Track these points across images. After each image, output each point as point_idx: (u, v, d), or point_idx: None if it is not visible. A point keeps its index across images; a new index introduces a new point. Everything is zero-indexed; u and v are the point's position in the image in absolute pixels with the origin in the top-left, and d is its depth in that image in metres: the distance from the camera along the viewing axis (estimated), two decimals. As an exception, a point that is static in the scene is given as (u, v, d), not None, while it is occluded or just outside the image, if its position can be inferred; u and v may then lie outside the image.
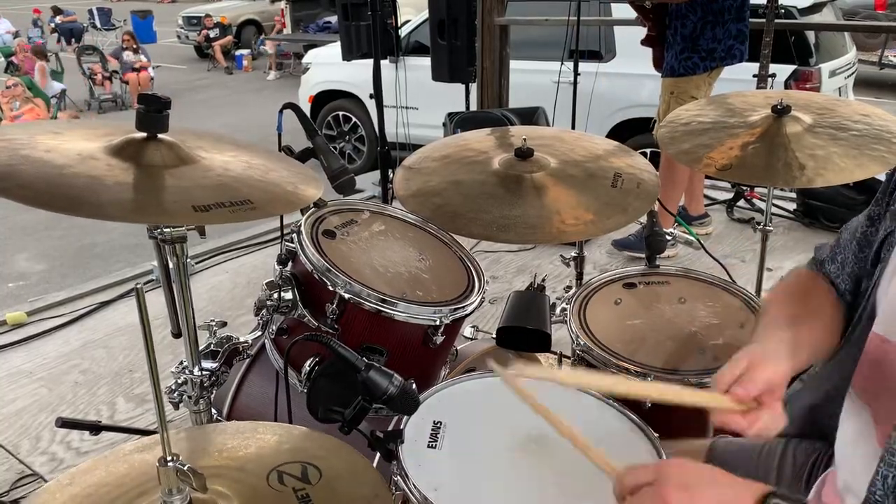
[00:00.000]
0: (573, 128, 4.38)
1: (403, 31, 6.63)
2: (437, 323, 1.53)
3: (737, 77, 3.82)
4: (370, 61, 4.26)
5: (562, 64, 4.66)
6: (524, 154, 1.75)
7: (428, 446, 1.25)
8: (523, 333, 1.67)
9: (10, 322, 3.50)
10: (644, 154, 2.13)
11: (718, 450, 1.38)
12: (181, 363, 1.54)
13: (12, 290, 5.05)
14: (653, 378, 1.57)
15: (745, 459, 1.33)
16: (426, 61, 5.10)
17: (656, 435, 1.29)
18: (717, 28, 3.54)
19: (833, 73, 5.64)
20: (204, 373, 1.53)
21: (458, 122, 4.42)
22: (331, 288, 1.47)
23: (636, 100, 5.58)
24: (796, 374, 1.20)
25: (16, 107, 9.36)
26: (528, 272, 3.81)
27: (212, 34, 15.26)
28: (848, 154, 1.79)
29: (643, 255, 1.98)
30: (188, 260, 1.46)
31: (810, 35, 5.48)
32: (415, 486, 1.15)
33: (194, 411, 1.55)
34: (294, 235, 1.57)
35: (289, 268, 1.57)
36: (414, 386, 1.21)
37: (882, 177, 1.32)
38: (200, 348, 1.56)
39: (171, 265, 1.44)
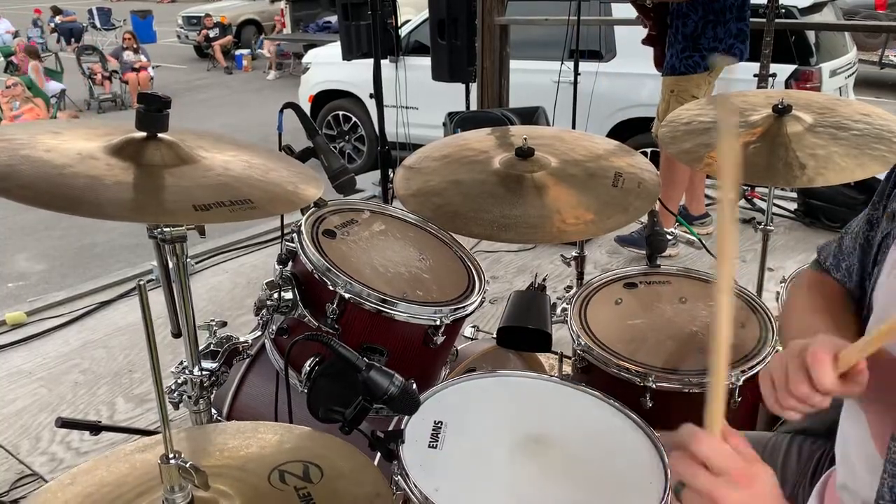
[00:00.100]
0: (573, 127, 4.38)
1: (403, 31, 6.62)
2: (438, 323, 1.53)
3: (737, 77, 3.82)
4: (370, 61, 4.26)
5: (562, 64, 4.66)
6: (525, 153, 1.75)
7: (429, 446, 1.25)
8: (524, 333, 1.67)
9: (10, 322, 3.50)
10: (644, 154, 2.12)
11: None
12: (181, 363, 1.54)
13: (12, 290, 5.04)
14: (653, 378, 1.57)
15: None
16: (426, 61, 5.10)
17: (657, 434, 1.29)
18: (718, 27, 3.54)
19: (833, 73, 5.64)
20: (204, 373, 1.53)
21: (458, 121, 4.41)
22: (331, 288, 1.47)
23: (636, 99, 5.57)
24: (790, 429, 1.19)
25: (15, 107, 9.35)
26: (529, 272, 3.81)
27: (212, 34, 15.25)
28: (848, 153, 1.79)
29: (645, 253, 1.98)
30: (188, 260, 1.45)
31: (811, 35, 5.47)
32: (416, 486, 1.15)
33: (194, 411, 1.55)
34: (294, 235, 1.57)
35: (289, 267, 1.57)
36: (414, 386, 1.21)
37: (882, 176, 1.32)
38: (200, 348, 1.56)
39: (170, 265, 1.44)
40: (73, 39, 16.61)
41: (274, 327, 1.63)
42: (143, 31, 16.60)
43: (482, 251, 3.88)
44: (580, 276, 2.22)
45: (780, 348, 1.60)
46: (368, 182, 5.23)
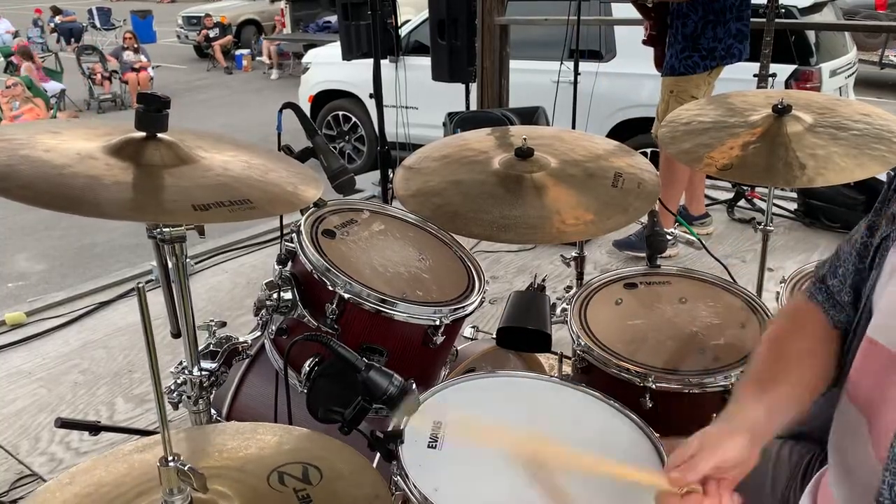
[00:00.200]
0: (573, 127, 4.37)
1: (403, 31, 6.62)
2: (437, 323, 1.53)
3: (737, 77, 3.82)
4: (370, 61, 4.26)
5: (562, 64, 4.66)
6: (524, 154, 1.75)
7: (428, 446, 1.24)
8: (524, 334, 1.67)
9: (10, 322, 3.50)
10: (644, 154, 2.12)
11: None
12: (180, 363, 1.53)
13: (12, 290, 5.04)
14: (653, 378, 1.57)
15: None
16: (426, 61, 5.10)
17: (657, 435, 1.29)
18: (718, 27, 3.54)
19: (833, 73, 5.63)
20: (203, 373, 1.53)
21: (458, 121, 4.41)
22: (330, 288, 1.47)
23: (636, 100, 5.57)
24: (780, 434, 1.22)
25: (15, 106, 9.35)
26: (529, 272, 3.81)
27: (211, 34, 15.25)
28: (848, 154, 1.79)
29: (644, 255, 1.98)
30: (187, 260, 1.45)
31: (811, 35, 5.47)
32: (415, 486, 1.14)
33: (193, 412, 1.55)
34: (294, 235, 1.57)
35: (288, 268, 1.57)
36: (414, 386, 1.21)
37: (883, 177, 1.32)
38: (200, 348, 1.56)
39: (170, 265, 1.44)
40: (73, 39, 16.62)
41: (273, 327, 1.63)
42: (143, 31, 16.60)
43: (482, 251, 3.88)
44: (580, 276, 2.22)
45: None
46: (368, 182, 5.23)
